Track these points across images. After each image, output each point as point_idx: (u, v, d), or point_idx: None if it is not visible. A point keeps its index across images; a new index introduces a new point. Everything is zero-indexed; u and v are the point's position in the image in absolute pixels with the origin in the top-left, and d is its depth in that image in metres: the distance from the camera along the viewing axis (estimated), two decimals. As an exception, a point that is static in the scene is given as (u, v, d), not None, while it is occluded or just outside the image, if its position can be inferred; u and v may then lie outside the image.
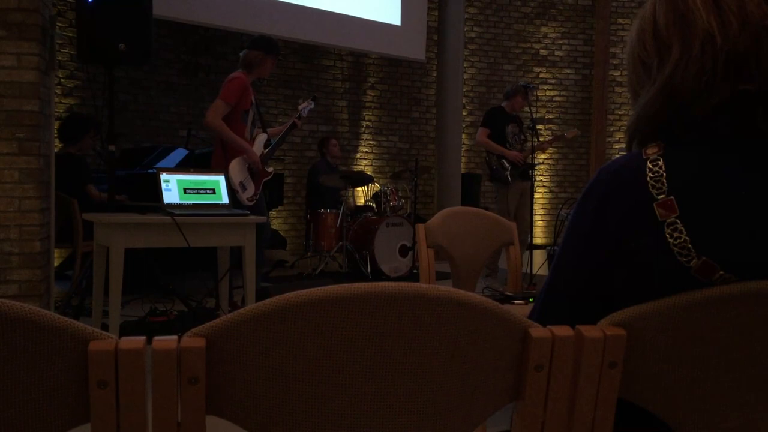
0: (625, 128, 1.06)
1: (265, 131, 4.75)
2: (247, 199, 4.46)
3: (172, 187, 3.72)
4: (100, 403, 0.72)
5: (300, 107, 4.97)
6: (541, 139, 6.21)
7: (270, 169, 4.70)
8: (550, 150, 9.79)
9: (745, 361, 0.90)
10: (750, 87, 0.92)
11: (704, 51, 0.93)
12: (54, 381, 0.72)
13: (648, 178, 0.92)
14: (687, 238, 0.89)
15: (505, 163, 5.87)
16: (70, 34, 6.44)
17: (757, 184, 0.91)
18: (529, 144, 6.14)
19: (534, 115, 5.96)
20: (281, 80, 8.30)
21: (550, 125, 9.68)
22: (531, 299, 1.87)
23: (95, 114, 5.42)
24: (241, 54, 4.68)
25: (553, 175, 9.89)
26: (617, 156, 1.02)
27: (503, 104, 6.12)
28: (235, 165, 4.40)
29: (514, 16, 9.67)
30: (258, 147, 4.58)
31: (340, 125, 8.86)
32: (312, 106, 5.04)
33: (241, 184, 4.43)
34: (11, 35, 3.55)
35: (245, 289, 3.79)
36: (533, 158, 5.99)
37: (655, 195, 0.91)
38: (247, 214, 3.80)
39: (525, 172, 5.97)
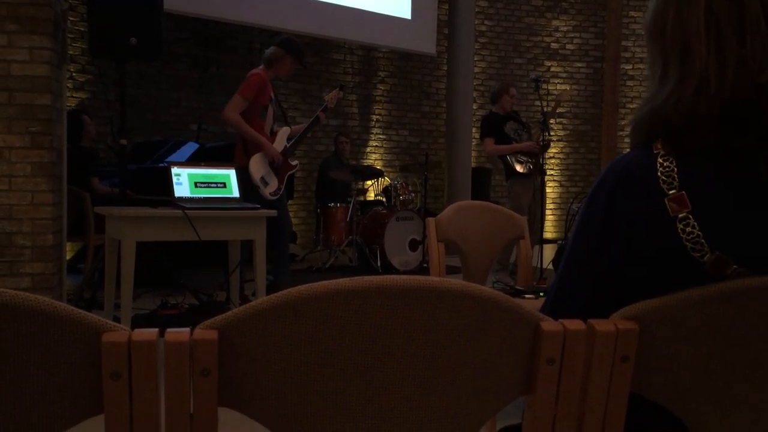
0: (630, 125, 1.04)
1: (288, 125, 4.79)
2: (270, 193, 4.50)
3: (183, 181, 3.73)
4: (113, 395, 0.72)
5: (327, 97, 4.98)
6: (549, 111, 6.11)
7: (295, 162, 4.75)
8: (561, 144, 9.76)
9: (759, 357, 0.89)
10: (742, 143, 0.89)
11: (699, 94, 0.91)
12: (67, 372, 0.72)
13: (659, 173, 0.91)
14: (699, 232, 0.88)
15: (522, 157, 5.84)
16: (82, 28, 6.47)
17: None
18: (536, 131, 6.10)
19: (545, 109, 5.93)
20: (291, 74, 8.30)
21: (561, 119, 9.64)
22: (542, 294, 1.87)
23: (106, 108, 5.45)
24: (266, 51, 4.73)
25: (563, 169, 9.86)
26: (628, 150, 1.01)
27: (493, 109, 6.08)
28: (255, 161, 4.45)
29: (525, 9, 9.63)
30: (280, 141, 4.62)
31: (350, 119, 8.86)
32: (341, 95, 5.08)
33: (263, 179, 4.47)
34: (23, 29, 3.57)
35: (256, 282, 3.80)
36: (544, 138, 5.93)
37: (666, 190, 0.90)
38: (257, 208, 3.81)
39: (539, 163, 5.92)
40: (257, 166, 4.45)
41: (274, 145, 4.57)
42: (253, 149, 4.47)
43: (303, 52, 4.82)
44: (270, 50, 4.63)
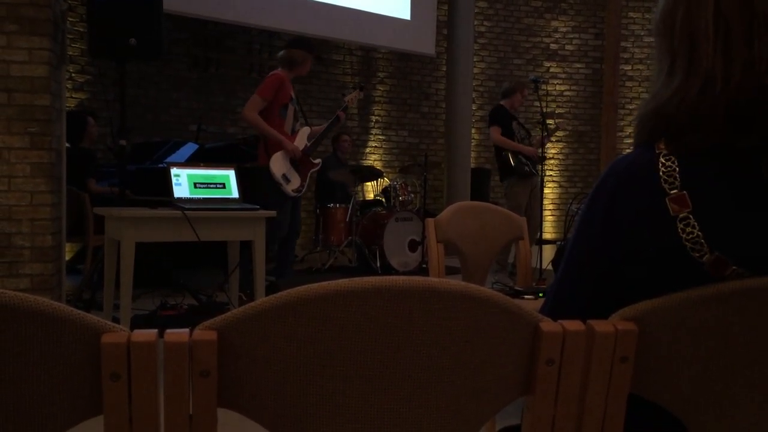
0: (635, 122, 1.04)
1: (308, 124, 4.87)
2: (293, 190, 4.61)
3: (183, 182, 3.73)
4: (112, 396, 0.72)
5: (347, 98, 5.05)
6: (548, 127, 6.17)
7: (317, 161, 4.88)
8: (560, 145, 9.77)
9: (758, 357, 0.89)
10: (746, 143, 0.90)
11: (704, 93, 0.91)
12: (67, 373, 0.72)
13: (660, 173, 0.91)
14: (699, 233, 0.88)
15: (522, 158, 5.87)
16: (81, 29, 6.47)
17: None
18: (535, 138, 6.14)
19: (544, 110, 5.94)
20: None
21: (560, 120, 9.64)
22: (541, 294, 1.87)
23: (106, 108, 5.46)
24: (279, 54, 4.87)
25: (562, 170, 9.86)
26: (628, 151, 1.01)
27: (502, 102, 6.10)
28: (275, 159, 4.56)
29: (525, 10, 9.63)
30: (301, 140, 4.72)
31: (350, 120, 8.86)
32: (361, 96, 5.17)
33: (284, 176, 4.58)
34: (23, 30, 3.57)
35: (256, 283, 3.80)
36: (544, 151, 5.98)
37: (667, 190, 0.90)
38: (256, 209, 3.81)
39: (536, 167, 5.98)
40: (278, 164, 4.55)
41: (295, 143, 4.65)
42: (273, 148, 4.57)
43: (315, 47, 4.98)
44: (288, 53, 4.75)
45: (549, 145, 6.61)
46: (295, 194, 4.63)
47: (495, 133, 5.95)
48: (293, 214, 4.73)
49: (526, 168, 5.85)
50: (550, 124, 6.20)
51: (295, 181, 4.62)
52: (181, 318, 3.96)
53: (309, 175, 4.77)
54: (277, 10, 7.21)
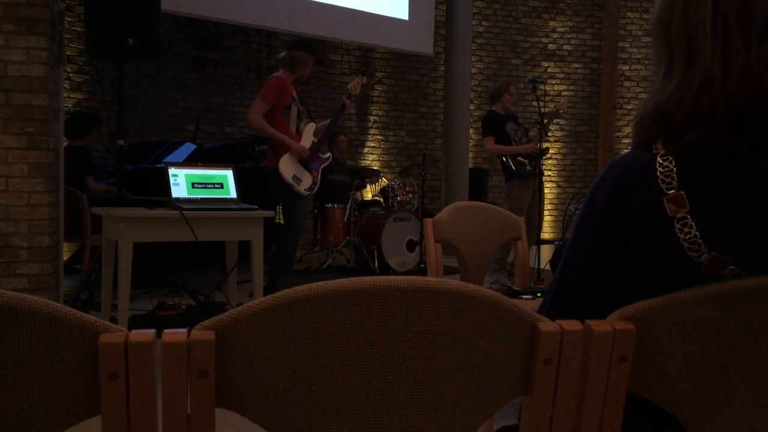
0: (633, 122, 1.04)
1: (313, 121, 4.88)
2: (306, 189, 4.63)
3: (181, 182, 3.73)
4: (110, 396, 0.72)
5: (349, 86, 5.01)
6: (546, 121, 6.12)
7: (327, 155, 4.88)
8: (558, 145, 9.77)
9: (755, 357, 0.89)
10: (744, 142, 0.90)
11: (702, 91, 0.91)
12: (64, 373, 0.72)
13: (658, 173, 0.91)
14: (697, 233, 0.88)
15: (521, 159, 5.84)
16: (79, 29, 6.46)
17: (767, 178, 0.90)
18: (532, 134, 6.11)
19: (542, 110, 5.92)
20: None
21: (559, 120, 9.65)
22: (539, 294, 1.87)
23: (104, 108, 5.45)
24: (280, 56, 4.87)
25: (560, 170, 9.86)
26: (626, 151, 1.01)
27: (493, 108, 6.07)
28: (284, 161, 4.57)
29: (523, 10, 9.64)
30: (307, 137, 4.72)
31: (348, 120, 8.86)
32: (365, 81, 5.13)
33: (295, 177, 4.59)
34: (20, 30, 3.56)
35: (254, 283, 3.80)
36: (542, 146, 5.94)
37: (665, 190, 0.90)
38: (255, 209, 3.81)
39: (538, 163, 5.93)
40: (287, 166, 4.57)
41: (302, 141, 4.68)
42: (280, 151, 4.58)
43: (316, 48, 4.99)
44: (290, 54, 4.74)
45: (547, 145, 6.58)
46: (308, 192, 4.65)
47: (489, 143, 5.91)
48: (301, 212, 4.74)
49: (528, 168, 5.83)
50: (547, 121, 6.17)
51: (307, 180, 4.64)
52: (179, 318, 3.96)
53: (320, 170, 4.78)
54: (276, 10, 7.21)
